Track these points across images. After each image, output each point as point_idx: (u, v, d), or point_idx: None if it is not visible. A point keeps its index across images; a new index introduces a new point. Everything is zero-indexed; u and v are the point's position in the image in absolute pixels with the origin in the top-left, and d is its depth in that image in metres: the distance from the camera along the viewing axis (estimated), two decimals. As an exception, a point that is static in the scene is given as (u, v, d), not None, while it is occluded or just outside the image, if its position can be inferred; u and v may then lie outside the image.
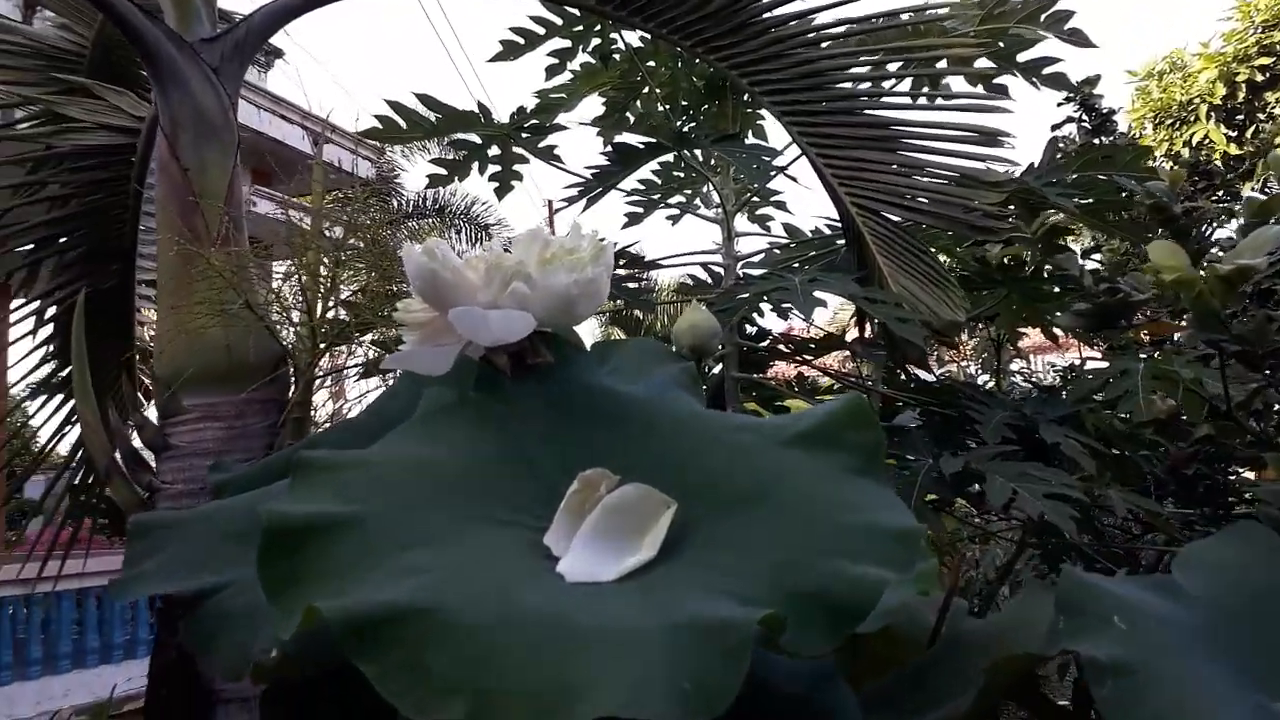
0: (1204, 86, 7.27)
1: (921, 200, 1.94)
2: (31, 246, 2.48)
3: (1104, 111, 6.44)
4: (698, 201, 2.87)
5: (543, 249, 0.71)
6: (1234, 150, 7.11)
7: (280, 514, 0.59)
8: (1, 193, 2.44)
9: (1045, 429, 1.87)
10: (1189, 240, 1.40)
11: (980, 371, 4.78)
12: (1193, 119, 7.33)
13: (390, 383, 1.48)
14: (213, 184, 1.84)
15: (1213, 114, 7.27)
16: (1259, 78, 7.06)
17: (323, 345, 1.71)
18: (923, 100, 2.14)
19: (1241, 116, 7.25)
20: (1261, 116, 7.08)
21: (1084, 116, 6.42)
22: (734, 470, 0.68)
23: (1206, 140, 7.21)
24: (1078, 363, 3.53)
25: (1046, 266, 2.25)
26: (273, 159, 2.56)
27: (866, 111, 2.01)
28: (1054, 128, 6.58)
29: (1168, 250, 0.99)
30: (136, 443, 1.82)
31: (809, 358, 2.23)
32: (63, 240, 2.49)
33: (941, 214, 1.91)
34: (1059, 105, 6.45)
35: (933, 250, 2.00)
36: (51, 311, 2.64)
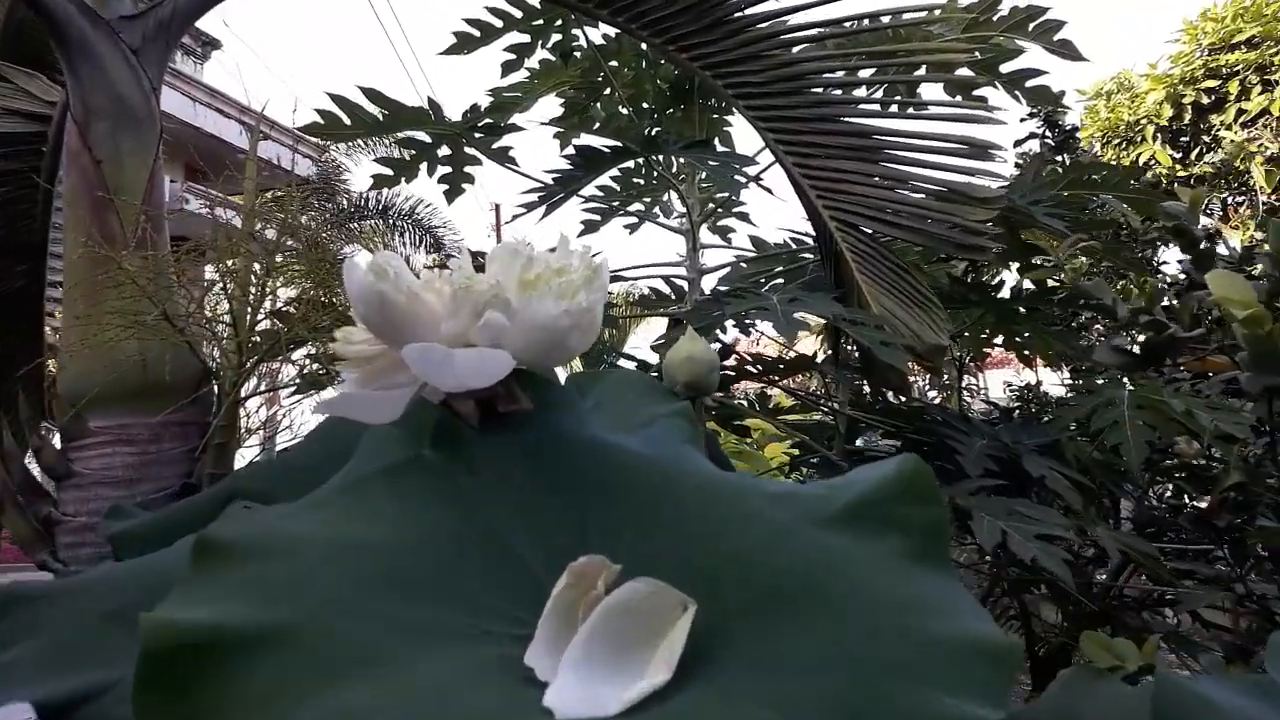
0: (1151, 107, 7.35)
1: (905, 215, 1.82)
2: (-70, 243, 2.26)
3: (1066, 129, 6.45)
4: (657, 210, 2.74)
5: (524, 269, 0.56)
6: (1180, 171, 7.20)
7: (167, 626, 0.43)
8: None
9: (1029, 460, 1.78)
10: (1212, 265, 1.29)
11: (928, 387, 4.70)
12: (1139, 139, 7.41)
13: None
14: (129, 178, 1.65)
15: (1159, 135, 7.35)
16: (1205, 100, 7.15)
17: (251, 362, 1.53)
18: (907, 109, 2.03)
19: (1187, 138, 7.34)
20: (1207, 139, 7.18)
21: (1047, 133, 6.43)
22: (767, 557, 0.53)
23: (1153, 161, 7.30)
24: (1034, 382, 3.49)
25: (1026, 285, 2.18)
26: (205, 156, 2.36)
27: (848, 119, 1.88)
28: (1018, 143, 6.59)
29: (1232, 283, 0.87)
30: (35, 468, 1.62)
31: (775, 378, 2.11)
32: (-36, 237, 2.27)
33: (926, 230, 1.80)
34: (1022, 121, 6.47)
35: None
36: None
